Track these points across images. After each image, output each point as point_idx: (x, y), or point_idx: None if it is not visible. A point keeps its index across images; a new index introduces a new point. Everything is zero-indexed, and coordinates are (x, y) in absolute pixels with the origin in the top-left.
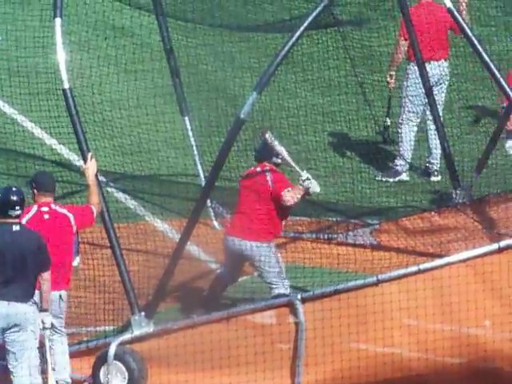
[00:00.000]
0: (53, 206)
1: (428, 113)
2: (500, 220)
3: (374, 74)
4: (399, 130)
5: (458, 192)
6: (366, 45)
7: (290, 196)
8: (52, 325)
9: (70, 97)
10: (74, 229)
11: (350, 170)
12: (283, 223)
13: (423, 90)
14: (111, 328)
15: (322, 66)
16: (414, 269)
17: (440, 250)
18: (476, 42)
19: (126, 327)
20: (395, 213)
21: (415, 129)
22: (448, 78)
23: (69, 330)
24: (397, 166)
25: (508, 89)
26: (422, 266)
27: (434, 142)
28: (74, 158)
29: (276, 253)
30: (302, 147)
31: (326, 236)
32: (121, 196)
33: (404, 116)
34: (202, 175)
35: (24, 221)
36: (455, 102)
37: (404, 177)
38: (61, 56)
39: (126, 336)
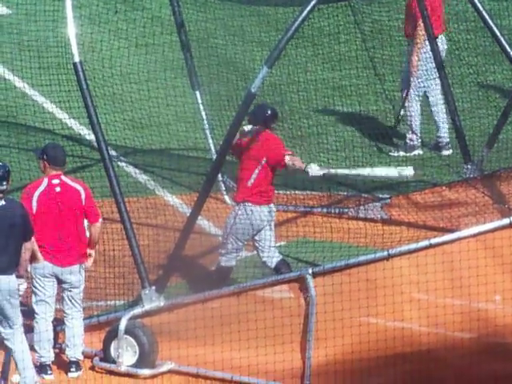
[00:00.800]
0: (63, 178)
1: (432, 87)
2: (511, 195)
3: (385, 48)
4: (409, 105)
5: (468, 167)
6: (376, 19)
7: (290, 161)
8: (70, 297)
9: (80, 70)
10: (84, 203)
11: (360, 144)
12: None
13: (431, 65)
14: (122, 302)
15: (332, 41)
16: (424, 243)
17: (451, 224)
18: (487, 16)
19: (137, 301)
20: (406, 187)
21: (420, 103)
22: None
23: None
24: (412, 140)
25: None
26: (432, 241)
27: (442, 116)
28: (85, 132)
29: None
30: (313, 121)
31: (336, 210)
32: (131, 170)
33: (412, 91)
34: (213, 149)
35: (36, 193)
36: (466, 76)
37: (419, 151)
38: (71, 30)
39: (137, 310)
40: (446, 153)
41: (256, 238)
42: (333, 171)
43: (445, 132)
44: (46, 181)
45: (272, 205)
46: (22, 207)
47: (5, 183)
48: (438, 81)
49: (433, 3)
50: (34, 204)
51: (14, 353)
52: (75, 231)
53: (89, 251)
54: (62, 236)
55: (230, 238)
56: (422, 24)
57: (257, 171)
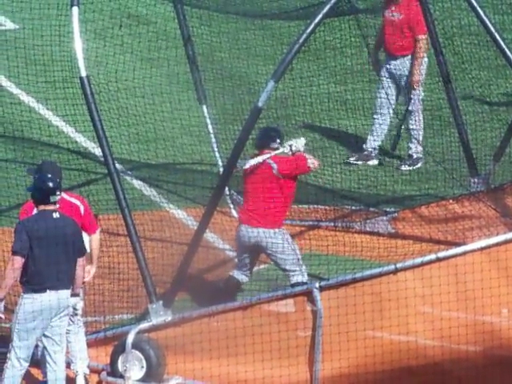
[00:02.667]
0: (62, 193)
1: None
2: None
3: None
4: (414, 119)
5: (475, 180)
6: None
7: (311, 162)
8: (70, 317)
9: (87, 85)
10: (83, 218)
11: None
12: (287, 210)
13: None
14: (129, 316)
15: (338, 55)
16: (431, 257)
17: (457, 238)
18: (493, 29)
19: (144, 316)
20: (413, 201)
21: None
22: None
23: (86, 318)
24: (417, 153)
25: None
26: (440, 255)
27: (419, 127)
28: (91, 146)
29: (289, 239)
30: (318, 135)
31: (343, 224)
32: (138, 184)
33: (417, 105)
34: (219, 163)
35: (35, 211)
36: (472, 90)
37: (422, 163)
38: (78, 44)
39: (144, 324)
40: (417, 166)
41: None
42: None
43: (418, 139)
44: None
45: (259, 229)
46: (75, 223)
47: (59, 193)
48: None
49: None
50: None
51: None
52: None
53: (88, 267)
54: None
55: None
56: (424, 38)
57: (274, 195)
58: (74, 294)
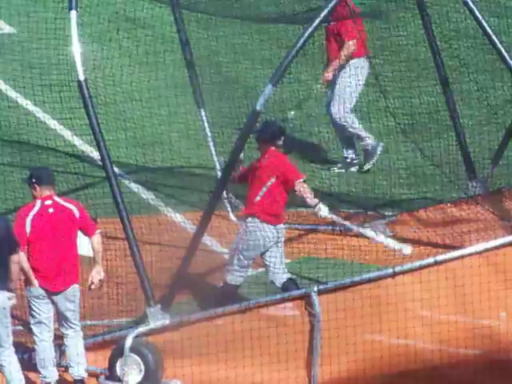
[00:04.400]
0: (56, 198)
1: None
2: None
3: (390, 64)
4: (348, 121)
5: (473, 184)
6: (381, 36)
7: (301, 189)
8: (66, 319)
9: (85, 88)
10: (77, 217)
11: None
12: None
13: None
14: (127, 320)
15: None
16: (430, 260)
17: (455, 241)
18: (491, 32)
19: (142, 319)
20: (411, 204)
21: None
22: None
23: (85, 322)
24: (369, 145)
25: None
26: (438, 258)
27: (357, 124)
28: (89, 150)
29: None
30: (316, 139)
31: (341, 228)
32: (135, 188)
33: (349, 107)
34: (217, 167)
35: (30, 216)
36: (471, 93)
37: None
38: (76, 48)
39: (143, 328)
40: (353, 169)
41: (264, 256)
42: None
43: (367, 135)
44: (39, 203)
45: (280, 225)
46: (5, 220)
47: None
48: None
49: (358, 26)
50: (28, 227)
51: (3, 372)
52: (70, 253)
53: (97, 270)
54: (56, 258)
55: (237, 254)
56: (351, 44)
57: (264, 189)
58: (8, 289)
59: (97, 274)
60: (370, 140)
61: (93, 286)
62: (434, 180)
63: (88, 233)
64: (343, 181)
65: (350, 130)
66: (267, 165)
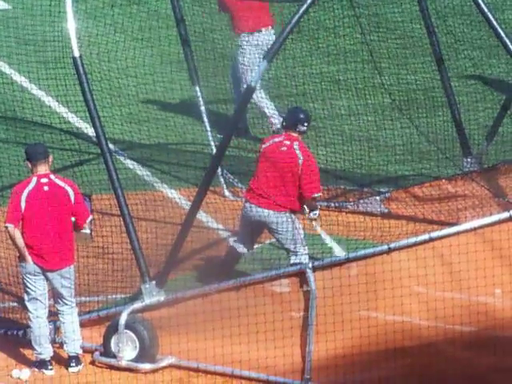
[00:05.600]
0: (52, 177)
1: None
2: (510, 188)
3: (385, 41)
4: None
5: (468, 160)
6: (376, 13)
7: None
8: (61, 296)
9: (80, 65)
10: (72, 202)
11: (359, 137)
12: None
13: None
14: (122, 297)
15: (332, 35)
16: (424, 237)
17: (450, 218)
18: (486, 9)
19: (137, 296)
20: (406, 181)
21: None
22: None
23: (80, 298)
24: (275, 124)
25: None
26: (432, 235)
27: (265, 100)
28: (84, 126)
29: (295, 222)
30: (312, 115)
31: (336, 204)
32: (130, 164)
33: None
34: (212, 143)
35: (25, 192)
36: (465, 70)
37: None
38: (71, 24)
39: (137, 305)
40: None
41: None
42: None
43: (274, 113)
44: (34, 180)
45: (271, 211)
46: None
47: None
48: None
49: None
50: (23, 203)
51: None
52: (64, 231)
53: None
54: (51, 236)
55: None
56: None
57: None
58: None
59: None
60: (275, 120)
61: (64, 272)
62: (429, 156)
63: (78, 222)
64: (338, 157)
65: (257, 103)
66: (294, 164)
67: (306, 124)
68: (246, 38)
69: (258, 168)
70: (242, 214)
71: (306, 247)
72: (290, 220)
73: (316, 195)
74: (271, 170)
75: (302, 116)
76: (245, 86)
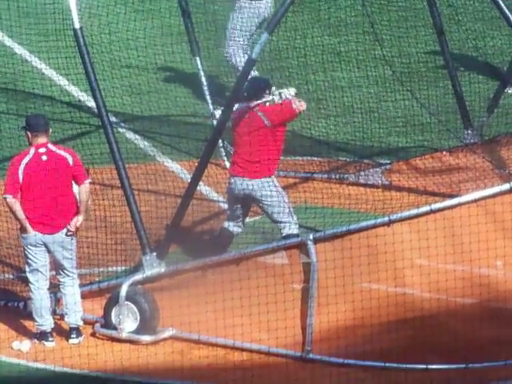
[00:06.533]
0: (50, 146)
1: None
2: (511, 160)
3: (385, 13)
4: (237, 59)
5: (469, 132)
6: None
7: (297, 106)
8: (63, 267)
9: (81, 36)
10: (71, 165)
11: (360, 109)
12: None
13: (253, 27)
14: (123, 269)
15: (333, 7)
16: (425, 209)
17: (451, 190)
18: None
19: (138, 268)
20: (407, 153)
21: None
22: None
23: (80, 270)
24: None
25: None
26: (433, 206)
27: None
28: (85, 99)
29: (281, 191)
30: (313, 87)
31: (337, 176)
32: (131, 136)
33: (235, 45)
34: (213, 115)
35: (23, 163)
36: (466, 41)
37: None
38: None
39: (138, 276)
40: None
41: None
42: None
43: None
44: (32, 150)
45: (253, 180)
46: None
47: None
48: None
49: None
50: (21, 174)
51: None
52: (65, 200)
53: (78, 217)
54: (51, 205)
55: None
56: None
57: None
58: None
59: (74, 222)
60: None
61: (69, 233)
62: (430, 128)
63: (77, 181)
64: (339, 129)
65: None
66: (260, 121)
67: (267, 92)
68: (245, 4)
69: (233, 142)
70: (227, 190)
71: (295, 217)
72: (275, 188)
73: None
74: (243, 139)
75: (262, 85)
76: (227, 50)
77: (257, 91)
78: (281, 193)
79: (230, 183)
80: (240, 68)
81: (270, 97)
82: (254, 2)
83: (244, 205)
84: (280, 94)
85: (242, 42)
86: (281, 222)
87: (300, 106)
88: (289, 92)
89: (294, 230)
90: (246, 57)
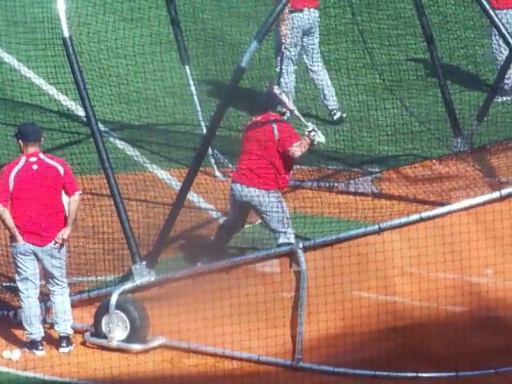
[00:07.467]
0: (41, 156)
1: (308, 59)
2: (501, 168)
3: (375, 21)
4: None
5: (459, 140)
6: None
7: (297, 148)
8: (52, 276)
9: (70, 45)
10: (62, 175)
11: (350, 118)
12: (288, 176)
13: (298, 39)
14: (113, 278)
15: (322, 15)
16: (415, 217)
17: (441, 198)
18: None
19: (128, 277)
20: (396, 161)
21: (294, 78)
22: (318, 25)
23: (70, 279)
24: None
25: (509, 36)
26: (423, 215)
27: (322, 83)
28: (74, 107)
29: (281, 201)
30: (303, 95)
31: (327, 184)
32: (120, 145)
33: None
34: (202, 124)
35: (13, 172)
36: (455, 50)
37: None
38: (61, 5)
39: (128, 285)
40: (337, 116)
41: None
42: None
43: (330, 97)
44: (23, 159)
45: (256, 189)
46: None
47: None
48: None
49: None
50: (11, 183)
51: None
52: (54, 209)
53: (65, 229)
54: (41, 215)
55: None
56: None
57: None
58: None
59: (61, 235)
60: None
61: (56, 245)
62: (420, 137)
63: (67, 191)
64: (329, 137)
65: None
66: (270, 134)
67: (285, 106)
68: (287, 16)
69: (241, 148)
70: (229, 195)
71: (290, 228)
72: (275, 199)
73: (295, 145)
74: (253, 148)
75: (277, 99)
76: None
77: (272, 102)
78: (283, 208)
79: (232, 189)
80: (285, 76)
81: (309, 125)
82: (294, 14)
83: (243, 210)
84: (313, 131)
85: (288, 53)
86: (277, 231)
87: (295, 151)
88: (320, 138)
89: (290, 240)
90: (291, 65)
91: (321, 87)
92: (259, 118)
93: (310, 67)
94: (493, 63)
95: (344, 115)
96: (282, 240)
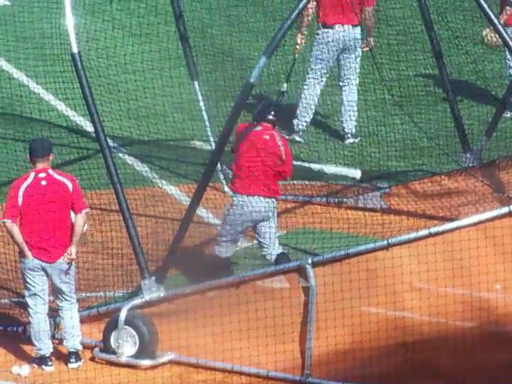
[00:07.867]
0: (50, 171)
1: (340, 75)
2: (510, 183)
3: (384, 37)
4: (302, 92)
5: (467, 156)
6: (376, 9)
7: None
8: (61, 292)
9: (78, 61)
10: (70, 191)
11: (359, 133)
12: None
13: (328, 55)
14: (122, 293)
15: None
16: (424, 232)
17: (450, 213)
18: (485, 5)
19: (137, 292)
20: (405, 176)
21: (318, 92)
22: (358, 44)
23: (79, 295)
24: (293, 124)
25: None
26: (432, 230)
27: (347, 104)
28: (83, 123)
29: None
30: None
31: (336, 200)
32: (129, 161)
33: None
34: (211, 139)
35: (22, 187)
36: (464, 65)
37: (296, 137)
38: (70, 20)
39: (137, 301)
40: (349, 141)
41: (256, 231)
42: None
43: (349, 120)
44: (32, 175)
45: (271, 199)
46: None
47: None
48: (355, 72)
49: None
50: (20, 198)
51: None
52: (63, 225)
53: (70, 248)
54: (50, 230)
55: (226, 227)
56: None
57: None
58: None
59: (67, 255)
60: (298, 123)
61: (65, 261)
62: (429, 152)
63: (75, 209)
64: (337, 153)
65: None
66: (277, 150)
67: (273, 113)
68: (318, 35)
69: (242, 157)
70: (234, 210)
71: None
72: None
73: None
74: (260, 157)
75: (271, 107)
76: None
77: (260, 115)
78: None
79: (242, 202)
80: (309, 87)
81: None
82: (324, 29)
83: (249, 226)
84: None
85: (313, 66)
86: (271, 244)
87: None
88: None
89: (279, 249)
90: (316, 79)
91: (344, 107)
92: (259, 128)
93: (340, 84)
94: (507, 79)
95: (356, 140)
96: (279, 250)
